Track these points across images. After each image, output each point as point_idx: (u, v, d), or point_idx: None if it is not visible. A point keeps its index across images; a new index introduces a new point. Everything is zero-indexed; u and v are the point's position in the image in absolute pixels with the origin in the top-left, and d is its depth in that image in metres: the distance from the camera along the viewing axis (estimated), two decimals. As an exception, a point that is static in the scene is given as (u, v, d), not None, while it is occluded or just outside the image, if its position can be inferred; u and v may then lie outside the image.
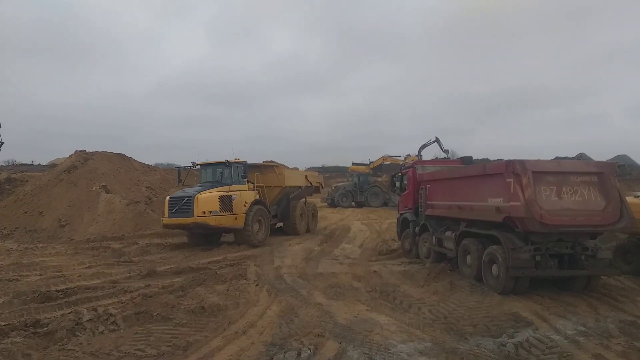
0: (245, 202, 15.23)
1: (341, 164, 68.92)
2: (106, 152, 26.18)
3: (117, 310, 7.32)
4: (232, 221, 14.72)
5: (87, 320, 6.77)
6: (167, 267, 11.80)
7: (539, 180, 8.34)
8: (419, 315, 7.71)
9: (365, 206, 35.57)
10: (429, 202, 12.03)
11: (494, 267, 8.96)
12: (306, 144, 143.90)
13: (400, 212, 14.20)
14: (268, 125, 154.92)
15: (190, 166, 16.74)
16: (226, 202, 14.63)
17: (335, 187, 39.10)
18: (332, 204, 36.44)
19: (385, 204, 36.06)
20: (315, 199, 43.16)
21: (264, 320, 7.39)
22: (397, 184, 14.79)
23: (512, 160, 8.49)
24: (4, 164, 54.63)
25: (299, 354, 5.87)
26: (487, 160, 38.44)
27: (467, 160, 13.63)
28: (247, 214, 15.08)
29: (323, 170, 71.89)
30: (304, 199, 20.47)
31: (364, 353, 6.00)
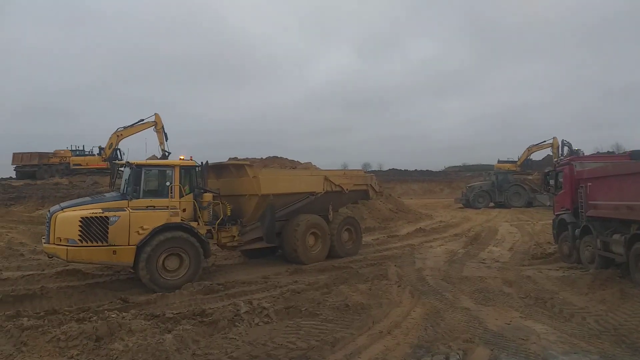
0: (142, 227, 9.90)
1: (484, 162, 65.55)
2: (257, 158, 28.31)
3: (269, 304, 7.82)
4: (106, 255, 9.67)
5: (244, 312, 7.34)
6: (311, 265, 12.33)
7: None
8: (583, 325, 6.94)
9: (505, 207, 32.83)
10: (590, 202, 10.75)
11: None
12: (446, 143, 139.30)
13: (556, 213, 12.93)
14: (408, 127, 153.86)
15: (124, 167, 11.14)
16: (94, 228, 9.57)
17: (469, 186, 36.86)
18: (467, 205, 34.39)
19: (529, 203, 32.96)
20: (448, 200, 41.86)
21: (408, 322, 7.31)
22: (551, 182, 13.49)
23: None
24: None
25: (447, 358, 5.68)
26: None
27: (637, 155, 11.84)
28: (140, 247, 9.82)
29: (464, 169, 69.00)
30: (330, 211, 13.80)
31: (519, 363, 5.60)
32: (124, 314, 7.49)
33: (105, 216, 9.65)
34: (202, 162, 11.38)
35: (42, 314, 7.69)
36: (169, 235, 10.06)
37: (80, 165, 33.88)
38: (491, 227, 21.29)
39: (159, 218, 10.11)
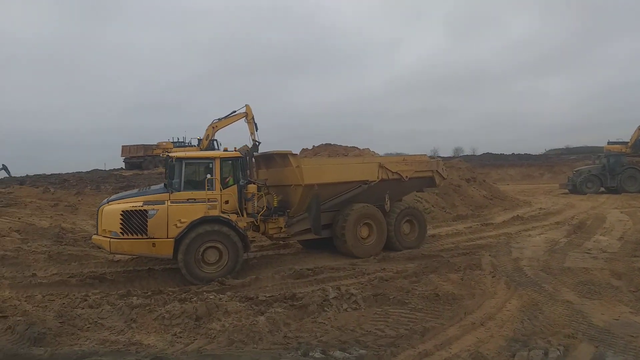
0: (180, 220, 9.89)
1: (590, 144, 60.36)
2: (342, 146, 28.42)
3: (357, 291, 7.86)
4: (146, 247, 9.84)
5: (333, 298, 7.45)
6: (400, 253, 12.18)
7: None
8: None
9: (617, 192, 29.79)
10: None
11: None
12: (547, 125, 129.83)
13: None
14: (504, 109, 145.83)
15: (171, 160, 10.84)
16: (134, 221, 9.77)
17: (577, 170, 33.87)
18: (574, 190, 31.70)
19: None
20: (554, 185, 38.97)
21: (503, 314, 6.99)
22: None
23: None
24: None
25: (545, 354, 5.36)
26: None
27: None
28: (178, 240, 9.83)
29: (567, 152, 64.10)
30: (387, 201, 12.91)
31: (628, 361, 5.14)
32: (220, 295, 7.95)
33: (144, 209, 9.81)
34: (246, 153, 11.50)
35: (149, 293, 8.42)
36: (207, 228, 9.99)
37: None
38: (598, 215, 19.55)
39: (197, 211, 10.02)
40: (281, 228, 11.69)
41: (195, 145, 37.01)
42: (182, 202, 10.04)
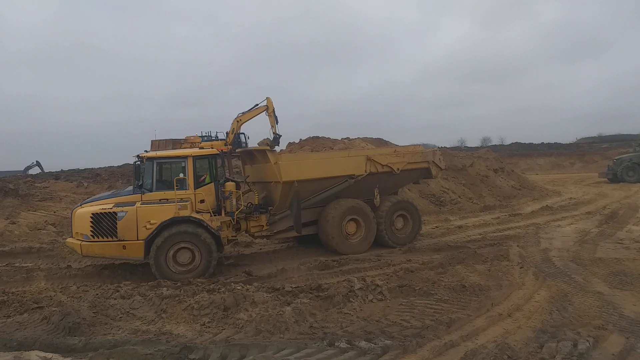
0: (149, 221, 9.61)
1: (624, 132, 58.49)
2: (367, 137, 28.37)
3: (382, 282, 7.87)
4: (116, 250, 9.65)
5: (358, 289, 7.48)
6: (425, 244, 12.11)
7: None
8: None
9: None
10: None
11: None
12: (578, 113, 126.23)
13: None
14: (532, 98, 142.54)
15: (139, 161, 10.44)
16: (104, 224, 9.58)
17: (617, 159, 32.88)
18: (614, 179, 30.78)
19: None
20: (585, 174, 37.95)
21: (531, 305, 6.91)
22: None
23: None
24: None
25: (574, 345, 5.28)
26: None
27: None
28: (148, 242, 9.57)
29: (599, 140, 62.30)
30: (376, 195, 12.20)
31: (661, 353, 5.02)
32: (248, 286, 8.07)
33: (113, 211, 9.61)
34: (223, 150, 11.18)
35: (178, 284, 8.60)
36: (177, 229, 9.65)
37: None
38: (631, 204, 18.98)
39: (167, 212, 9.68)
40: (263, 226, 11.29)
41: (223, 139, 37.42)
42: (153, 203, 9.79)
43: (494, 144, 68.70)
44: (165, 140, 39.84)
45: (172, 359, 5.32)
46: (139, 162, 10.20)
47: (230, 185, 10.62)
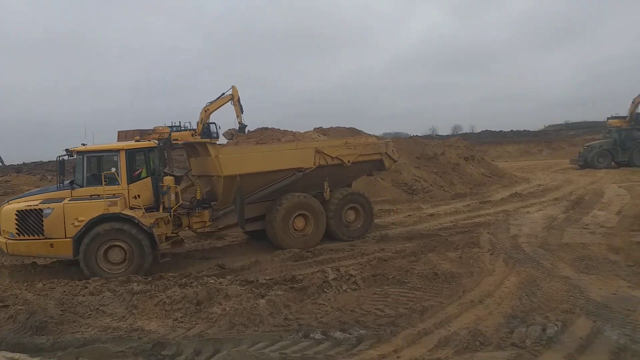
0: (77, 219, 9.17)
1: (590, 119, 60.13)
2: (339, 127, 28.30)
3: (356, 272, 7.91)
4: (43, 249, 9.28)
5: (332, 279, 7.49)
6: (398, 232, 12.22)
7: None
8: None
9: (630, 166, 29.88)
10: None
11: None
12: (547, 101, 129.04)
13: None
14: (503, 86, 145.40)
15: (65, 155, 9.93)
16: (29, 221, 9.18)
17: (588, 145, 33.80)
18: (585, 165, 31.71)
19: None
20: (552, 161, 39.09)
21: (501, 291, 7.05)
22: None
23: None
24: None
25: (543, 330, 5.41)
26: None
27: None
28: (77, 240, 9.17)
29: (566, 127, 63.89)
30: (326, 188, 11.79)
31: (626, 334, 5.23)
32: (221, 279, 7.99)
33: (39, 208, 9.18)
34: (159, 142, 10.67)
35: (149, 279, 8.45)
36: (106, 227, 9.20)
37: (177, 140, 36.27)
38: (596, 190, 19.59)
39: (96, 209, 9.21)
40: (206, 222, 10.80)
41: (193, 129, 36.82)
42: (82, 200, 9.37)
43: (464, 132, 69.71)
44: (133, 130, 38.96)
45: (144, 356, 5.23)
46: (63, 157, 9.74)
47: (168, 180, 10.09)
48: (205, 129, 33.72)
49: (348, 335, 5.63)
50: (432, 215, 15.03)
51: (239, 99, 33.09)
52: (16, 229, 9.18)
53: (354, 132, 27.87)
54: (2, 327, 6.39)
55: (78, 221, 9.15)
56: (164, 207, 10.00)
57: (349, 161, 11.93)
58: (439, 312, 6.27)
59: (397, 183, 19.36)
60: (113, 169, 9.64)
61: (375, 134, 29.48)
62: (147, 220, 9.54)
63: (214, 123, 35.40)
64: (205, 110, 34.53)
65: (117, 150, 9.81)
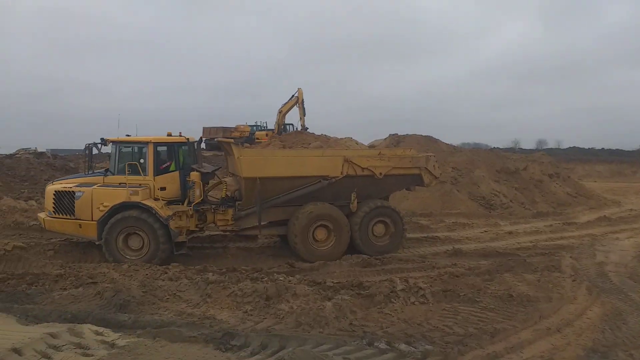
0: (102, 204, 9.88)
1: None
2: (416, 134, 27.83)
3: (426, 285, 7.73)
4: (73, 228, 10.19)
5: (400, 290, 7.39)
6: (473, 248, 11.81)
7: None
8: None
9: None
10: None
11: None
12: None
13: None
14: (593, 100, 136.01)
15: (100, 143, 10.71)
16: (63, 201, 10.14)
17: None
18: None
19: None
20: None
21: (582, 321, 6.61)
22: None
23: None
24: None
25: (629, 369, 5.00)
26: None
27: None
28: (101, 223, 9.86)
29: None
30: (353, 200, 11.10)
31: None
32: (290, 277, 8.17)
33: (72, 190, 10.10)
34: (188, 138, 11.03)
35: (224, 270, 8.82)
36: (127, 214, 9.83)
37: (258, 139, 37.77)
38: None
39: (119, 196, 9.88)
40: (228, 221, 10.81)
41: (270, 130, 38.13)
42: (109, 186, 10.07)
43: (549, 147, 65.99)
44: (217, 127, 40.86)
45: (214, 343, 5.46)
46: (91, 145, 10.57)
47: (194, 175, 10.45)
48: (282, 130, 34.89)
49: (413, 348, 5.53)
50: (510, 233, 14.36)
51: (302, 101, 33.99)
52: (53, 207, 10.25)
53: (430, 140, 27.31)
54: (90, 301, 6.98)
55: (103, 206, 9.91)
56: (188, 202, 10.47)
57: (380, 173, 11.20)
58: (511, 336, 6.00)
59: (474, 196, 18.71)
60: (141, 160, 10.30)
61: (453, 144, 28.72)
62: (165, 212, 9.99)
63: (291, 124, 36.53)
64: (280, 112, 35.84)
65: (146, 143, 10.37)
